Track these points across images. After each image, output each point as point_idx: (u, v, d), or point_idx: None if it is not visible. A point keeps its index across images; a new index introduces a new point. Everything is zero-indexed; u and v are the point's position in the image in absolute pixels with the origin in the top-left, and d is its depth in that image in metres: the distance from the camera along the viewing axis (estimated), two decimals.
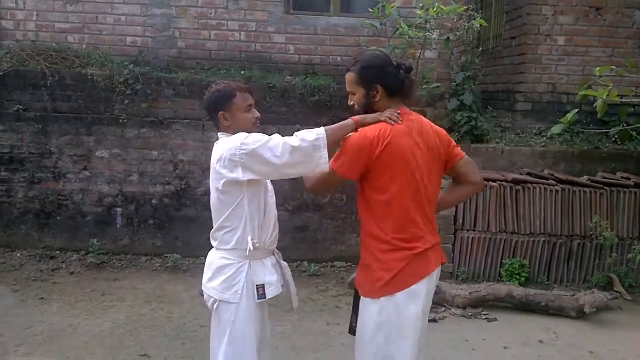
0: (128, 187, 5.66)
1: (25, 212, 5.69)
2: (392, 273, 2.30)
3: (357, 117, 2.38)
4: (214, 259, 2.53)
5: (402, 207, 2.32)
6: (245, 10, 6.03)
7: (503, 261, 5.18)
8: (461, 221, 5.18)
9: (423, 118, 2.48)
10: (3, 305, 4.50)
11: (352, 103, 2.49)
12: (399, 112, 2.36)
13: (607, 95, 4.12)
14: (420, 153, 2.34)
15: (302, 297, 4.85)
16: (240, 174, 2.32)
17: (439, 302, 4.68)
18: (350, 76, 2.46)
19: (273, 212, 2.61)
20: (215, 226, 2.51)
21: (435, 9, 4.98)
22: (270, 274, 2.53)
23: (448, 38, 5.32)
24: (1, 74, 5.52)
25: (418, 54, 5.34)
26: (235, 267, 2.45)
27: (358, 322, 2.44)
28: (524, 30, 6.24)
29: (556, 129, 4.81)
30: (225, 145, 2.36)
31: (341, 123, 2.38)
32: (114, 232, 5.68)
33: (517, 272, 5.07)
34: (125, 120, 5.58)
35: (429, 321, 4.33)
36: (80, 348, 3.82)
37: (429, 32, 5.19)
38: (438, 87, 5.43)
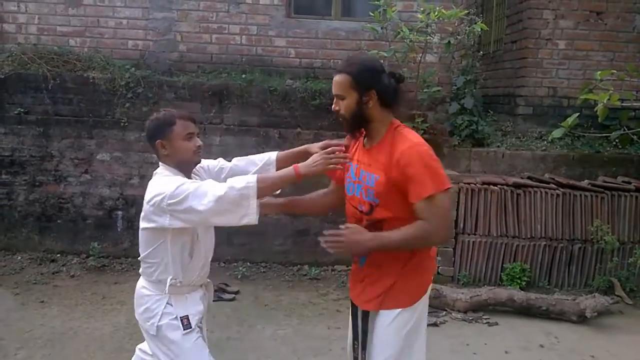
0: (129, 190, 5.66)
1: (25, 215, 5.69)
2: (430, 274, 2.41)
3: (299, 167, 2.29)
4: (138, 286, 2.53)
5: None
6: (247, 13, 6.04)
7: (504, 265, 5.17)
8: (462, 225, 5.18)
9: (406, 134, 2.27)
10: (3, 308, 4.49)
11: (337, 108, 2.30)
12: (342, 146, 2.29)
13: (608, 99, 4.11)
14: None
15: (302, 301, 4.86)
16: (167, 222, 2.27)
17: (440, 305, 4.67)
18: (342, 77, 2.23)
19: (203, 252, 2.51)
20: (140, 256, 2.48)
21: (436, 13, 4.99)
22: (193, 305, 2.48)
23: (449, 42, 5.32)
24: (3, 77, 5.53)
25: (419, 58, 5.34)
26: (154, 299, 2.43)
27: (377, 336, 2.33)
28: (525, 34, 6.25)
29: (557, 133, 4.81)
30: (156, 188, 2.30)
31: (280, 172, 2.36)
32: (114, 235, 5.68)
33: (517, 276, 5.06)
34: (126, 124, 5.59)
35: (430, 325, 4.37)
36: (80, 351, 3.82)
37: (430, 35, 5.20)
38: (439, 90, 5.43)
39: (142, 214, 2.37)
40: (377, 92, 2.21)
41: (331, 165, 2.25)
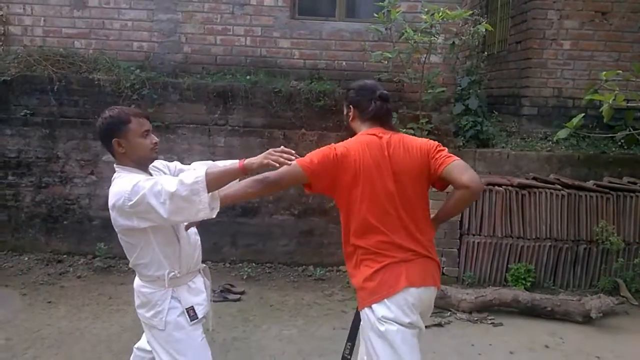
0: None
1: (32, 216, 5.73)
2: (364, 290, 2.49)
3: (244, 162, 2.25)
4: (136, 286, 2.51)
5: None
6: (251, 15, 6.06)
7: (509, 266, 5.17)
8: (466, 226, 5.18)
9: (403, 137, 2.51)
10: (11, 308, 4.52)
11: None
12: (292, 152, 2.29)
13: (614, 100, 4.11)
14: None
15: (307, 301, 4.87)
16: (135, 223, 2.25)
17: (445, 306, 4.68)
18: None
19: (191, 238, 2.51)
20: (130, 261, 2.47)
21: (440, 14, 4.99)
22: (197, 294, 2.50)
23: (453, 42, 5.32)
24: (9, 78, 5.57)
25: (423, 59, 5.35)
26: (158, 295, 2.42)
27: None
28: (529, 35, 6.24)
29: (562, 134, 4.80)
30: (115, 192, 2.27)
31: (226, 167, 2.32)
32: None
33: (522, 277, 5.05)
34: None
35: (434, 325, 4.38)
36: (87, 352, 3.84)
37: (434, 36, 5.20)
38: (443, 91, 5.43)
39: (113, 221, 2.35)
40: (354, 107, 2.59)
41: (270, 160, 2.21)
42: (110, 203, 2.30)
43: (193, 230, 2.56)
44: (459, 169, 2.40)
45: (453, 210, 2.53)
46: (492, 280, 5.20)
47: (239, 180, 2.41)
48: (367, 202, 2.38)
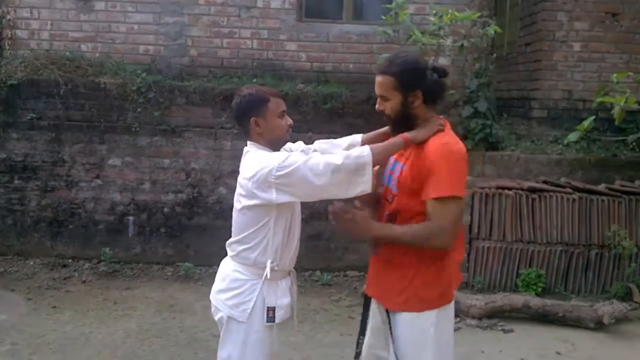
0: (140, 195, 5.66)
1: (38, 220, 5.71)
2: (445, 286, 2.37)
3: (408, 135, 2.17)
4: (227, 269, 2.41)
5: None
6: (257, 18, 6.04)
7: (519, 271, 5.10)
8: (476, 230, 5.11)
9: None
10: (16, 313, 4.50)
11: (382, 109, 2.26)
12: (442, 122, 2.22)
13: (625, 102, 4.05)
14: None
15: (314, 307, 4.82)
16: (273, 196, 2.18)
17: (454, 312, 4.60)
18: (384, 79, 2.19)
19: (297, 234, 2.46)
20: (233, 238, 2.39)
21: (448, 16, 4.95)
22: (283, 296, 2.40)
23: (462, 45, 5.27)
24: (15, 82, 5.56)
25: (431, 61, 5.29)
26: (249, 284, 2.32)
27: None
28: (539, 36, 6.18)
29: (572, 136, 4.74)
30: (259, 162, 2.22)
31: (389, 141, 2.22)
32: (125, 241, 5.67)
33: (533, 282, 4.98)
34: (137, 129, 5.59)
35: None
36: (92, 357, 3.81)
37: (443, 38, 5.15)
38: (452, 94, 5.37)
39: (241, 192, 2.28)
40: (422, 91, 2.18)
41: (435, 129, 2.16)
42: (249, 172, 2.23)
43: (299, 226, 2.49)
44: (440, 221, 2.10)
45: (405, 238, 2.18)
46: (503, 286, 5.12)
47: None
48: None
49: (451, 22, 5.00)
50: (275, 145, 2.39)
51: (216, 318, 2.43)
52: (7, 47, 6.05)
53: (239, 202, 2.33)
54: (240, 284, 2.33)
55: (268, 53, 6.08)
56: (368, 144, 2.40)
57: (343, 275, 5.54)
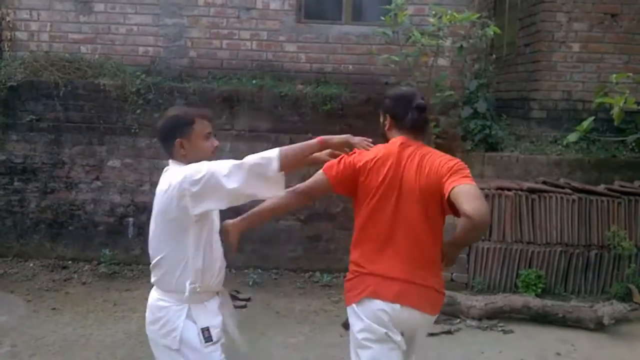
0: (140, 196, 5.66)
1: (37, 222, 5.71)
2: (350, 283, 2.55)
3: (324, 137, 2.30)
4: (152, 300, 2.37)
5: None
6: (257, 19, 6.03)
7: (519, 271, 5.09)
8: None
9: (427, 152, 2.41)
10: (16, 315, 4.50)
11: None
12: (370, 140, 2.44)
13: (624, 103, 4.05)
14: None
15: (314, 308, 4.82)
16: (189, 207, 2.17)
17: (454, 313, 4.61)
18: None
19: (219, 251, 2.41)
20: (152, 261, 2.34)
21: (448, 17, 4.94)
22: (212, 317, 2.35)
23: (461, 45, 5.27)
24: (15, 84, 5.56)
25: (431, 62, 5.30)
26: (174, 311, 2.28)
27: None
28: (538, 37, 6.18)
29: (572, 137, 4.73)
30: (174, 175, 2.22)
31: (305, 142, 2.32)
32: (125, 242, 5.67)
33: (533, 283, 4.97)
34: (137, 130, 5.59)
35: (444, 333, 4.32)
36: (92, 358, 3.81)
37: (442, 39, 5.15)
38: (451, 95, 5.37)
39: (158, 208, 2.27)
40: (390, 116, 2.53)
41: (353, 141, 2.35)
42: (161, 188, 2.25)
43: (220, 249, 2.45)
44: (465, 195, 2.14)
45: (459, 240, 2.33)
46: (502, 287, 5.12)
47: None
48: (365, 215, 2.38)
49: (450, 22, 5.00)
50: None
51: (154, 350, 2.40)
52: (7, 49, 6.04)
53: (155, 220, 2.31)
54: (166, 312, 2.29)
55: (267, 54, 6.08)
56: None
57: (343, 276, 5.49)
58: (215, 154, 2.40)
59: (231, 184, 2.13)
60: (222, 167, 2.16)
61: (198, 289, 2.30)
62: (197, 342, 2.27)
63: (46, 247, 5.71)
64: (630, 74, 4.32)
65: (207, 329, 2.30)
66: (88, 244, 5.70)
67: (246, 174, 2.14)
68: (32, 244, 5.71)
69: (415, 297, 2.33)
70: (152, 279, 2.38)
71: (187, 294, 2.26)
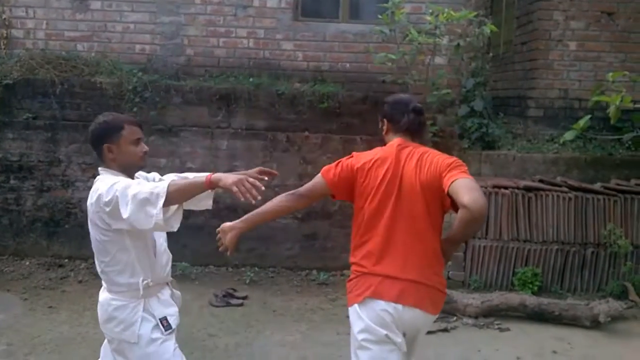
0: None
1: (34, 220, 5.69)
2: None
3: (213, 176, 2.20)
4: (105, 300, 2.42)
5: None
6: (254, 17, 6.02)
7: (515, 270, 5.10)
8: None
9: (425, 152, 2.45)
10: (12, 313, 4.49)
11: None
12: (260, 186, 2.22)
13: (620, 101, 4.07)
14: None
15: (311, 306, 4.82)
16: (107, 221, 2.25)
17: (451, 311, 4.61)
18: None
19: (163, 245, 2.50)
20: (99, 265, 2.40)
21: (444, 15, 4.94)
22: (167, 306, 2.46)
23: (458, 44, 5.27)
24: (11, 82, 5.54)
25: (427, 60, 5.30)
26: (130, 308, 2.36)
27: None
28: (535, 36, 6.19)
29: (568, 135, 4.76)
30: (96, 187, 2.27)
31: (191, 180, 2.30)
32: None
33: (529, 281, 4.99)
34: None
35: (440, 331, 4.32)
36: (88, 357, 3.78)
37: (439, 37, 5.16)
38: (448, 93, 5.37)
39: (90, 216, 2.33)
40: (387, 120, 2.60)
41: (235, 188, 2.14)
42: (91, 199, 2.30)
43: (164, 238, 2.54)
44: (464, 187, 2.20)
45: (457, 234, 2.38)
46: (499, 285, 5.13)
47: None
48: (366, 215, 2.40)
49: (447, 21, 5.00)
50: (128, 171, 2.41)
51: (111, 347, 2.46)
52: (3, 47, 6.01)
53: (91, 227, 2.36)
54: (122, 311, 2.36)
55: (264, 52, 6.07)
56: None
57: (340, 275, 5.54)
58: (145, 159, 2.45)
59: (125, 213, 2.15)
60: (127, 193, 2.16)
61: (150, 284, 2.38)
62: (156, 334, 2.37)
63: (42, 246, 5.70)
64: (627, 73, 4.34)
65: (165, 318, 2.41)
66: (84, 242, 5.59)
67: (136, 206, 2.14)
68: (28, 242, 5.70)
69: (417, 297, 2.34)
70: (103, 281, 2.44)
71: (141, 291, 2.35)
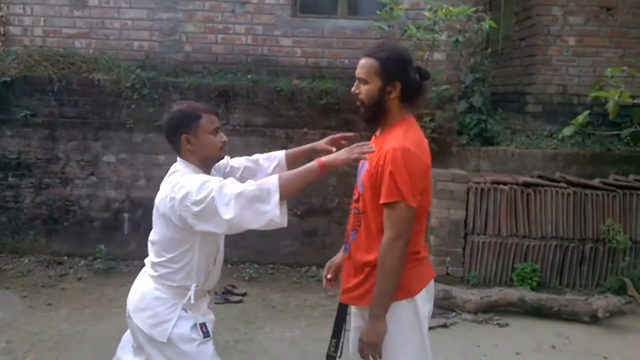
0: (135, 192, 5.64)
1: (32, 218, 5.69)
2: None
3: (323, 160, 2.12)
4: (147, 287, 2.32)
5: None
6: (252, 13, 6.01)
7: (514, 265, 5.11)
8: (471, 225, 5.12)
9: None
10: (11, 311, 4.48)
11: (357, 92, 2.24)
12: (370, 144, 2.17)
13: (619, 96, 4.07)
14: None
15: (310, 303, 4.83)
16: (190, 221, 2.12)
17: (450, 307, 4.62)
18: (369, 62, 2.19)
19: (222, 253, 2.42)
20: (155, 259, 2.30)
21: (443, 11, 4.94)
22: (205, 314, 2.38)
23: (457, 40, 5.27)
24: (9, 79, 5.52)
25: (426, 56, 5.29)
26: (170, 304, 2.27)
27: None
28: (534, 31, 6.18)
29: (567, 131, 4.76)
30: (178, 183, 2.16)
31: (302, 168, 2.15)
32: (121, 238, 5.66)
33: (528, 277, 4.99)
34: (131, 125, 5.57)
35: (439, 326, 4.33)
36: (88, 354, 3.80)
37: (437, 33, 5.15)
38: (447, 89, 5.37)
39: (162, 211, 2.22)
40: (402, 84, 2.17)
41: (355, 156, 2.09)
42: (167, 193, 2.18)
43: (222, 249, 2.44)
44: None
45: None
46: (498, 280, 5.13)
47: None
48: (423, 201, 2.21)
49: (446, 17, 5.00)
50: (207, 162, 2.33)
51: (130, 328, 2.38)
52: (0, 44, 6.00)
53: (159, 220, 2.27)
54: (161, 303, 2.27)
55: (263, 49, 6.05)
56: (291, 159, 2.43)
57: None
58: (224, 150, 2.37)
59: (228, 214, 2.04)
60: (225, 193, 2.05)
61: (200, 291, 2.31)
62: (189, 339, 2.26)
63: (41, 243, 5.69)
64: (625, 68, 4.34)
65: (204, 324, 2.31)
66: (83, 239, 5.68)
67: (244, 205, 2.04)
68: (27, 240, 5.69)
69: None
70: (152, 273, 2.33)
71: (190, 295, 2.26)
